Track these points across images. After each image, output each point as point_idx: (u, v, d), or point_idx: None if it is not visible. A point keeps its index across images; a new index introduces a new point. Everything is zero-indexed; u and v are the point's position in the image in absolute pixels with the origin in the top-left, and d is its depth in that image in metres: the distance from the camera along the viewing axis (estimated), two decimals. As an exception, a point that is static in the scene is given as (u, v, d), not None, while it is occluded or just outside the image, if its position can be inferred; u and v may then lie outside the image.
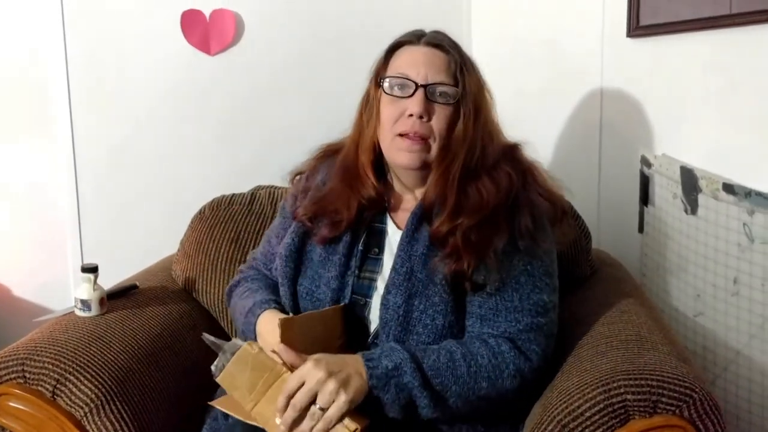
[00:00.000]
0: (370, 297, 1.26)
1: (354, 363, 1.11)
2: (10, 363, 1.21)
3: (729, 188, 1.43)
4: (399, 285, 1.21)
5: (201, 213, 1.71)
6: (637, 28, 1.69)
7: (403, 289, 1.21)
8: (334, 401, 1.06)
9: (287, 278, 1.29)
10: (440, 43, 1.27)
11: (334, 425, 1.07)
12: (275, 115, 2.14)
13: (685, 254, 1.59)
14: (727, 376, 1.49)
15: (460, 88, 1.24)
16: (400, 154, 1.25)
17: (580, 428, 1.05)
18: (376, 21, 2.10)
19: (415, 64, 1.25)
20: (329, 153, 1.39)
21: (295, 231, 1.32)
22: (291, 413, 1.07)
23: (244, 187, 1.82)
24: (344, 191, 1.29)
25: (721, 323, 1.49)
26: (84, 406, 1.20)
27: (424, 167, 1.26)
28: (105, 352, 1.27)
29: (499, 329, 1.20)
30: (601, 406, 1.05)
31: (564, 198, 1.36)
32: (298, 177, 1.42)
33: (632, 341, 1.20)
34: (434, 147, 1.24)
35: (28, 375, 1.20)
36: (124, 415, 1.21)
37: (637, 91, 1.74)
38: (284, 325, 1.17)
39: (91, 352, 1.25)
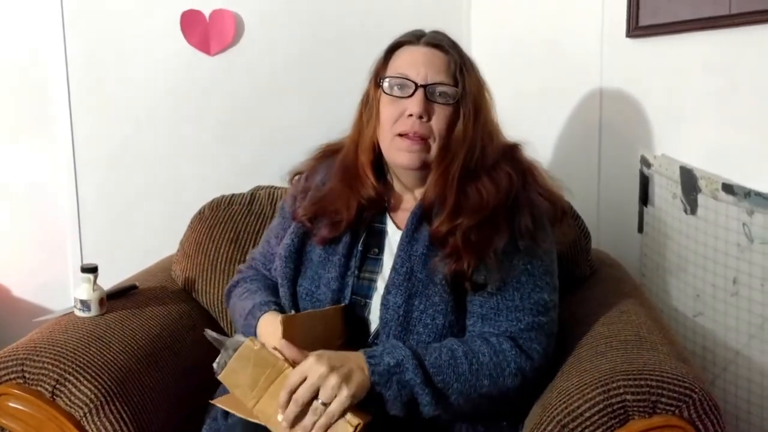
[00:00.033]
0: (370, 297, 1.26)
1: (356, 359, 1.11)
2: (10, 363, 1.21)
3: (728, 188, 1.43)
4: (399, 285, 1.21)
5: (201, 213, 1.71)
6: (636, 28, 1.69)
7: (403, 289, 1.21)
8: (336, 396, 1.06)
9: (287, 279, 1.30)
10: (440, 43, 1.27)
11: (336, 420, 1.06)
12: (275, 116, 2.14)
13: (685, 254, 1.59)
14: (726, 376, 1.49)
15: (460, 88, 1.24)
16: (399, 154, 1.25)
17: (579, 428, 1.05)
18: (376, 21, 2.10)
19: (414, 64, 1.25)
20: (328, 153, 1.39)
21: (294, 232, 1.32)
22: (293, 408, 1.07)
23: (243, 187, 1.82)
24: (344, 191, 1.29)
25: (721, 323, 1.50)
26: (83, 406, 1.20)
27: (424, 167, 1.26)
28: (104, 353, 1.27)
29: (500, 328, 1.20)
30: (601, 406, 1.05)
31: (564, 198, 1.36)
32: (297, 177, 1.42)
33: (632, 341, 1.20)
34: (434, 147, 1.24)
35: (27, 375, 1.20)
36: (124, 415, 1.21)
37: (636, 91, 1.74)
38: (286, 322, 1.17)
39: (91, 352, 1.25)
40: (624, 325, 1.28)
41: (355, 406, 1.08)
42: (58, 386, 1.20)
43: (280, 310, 1.29)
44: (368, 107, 1.31)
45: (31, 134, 2.08)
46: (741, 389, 1.46)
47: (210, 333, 1.17)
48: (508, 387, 1.17)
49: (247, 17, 2.10)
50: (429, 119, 1.23)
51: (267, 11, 2.10)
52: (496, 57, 2.00)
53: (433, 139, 1.24)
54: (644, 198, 1.75)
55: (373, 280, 1.27)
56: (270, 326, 1.22)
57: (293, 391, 1.08)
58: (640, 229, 1.78)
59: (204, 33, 2.07)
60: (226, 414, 1.25)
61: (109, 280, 1.50)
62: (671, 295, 1.66)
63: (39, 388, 1.20)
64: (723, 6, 1.41)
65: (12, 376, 1.21)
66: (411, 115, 1.22)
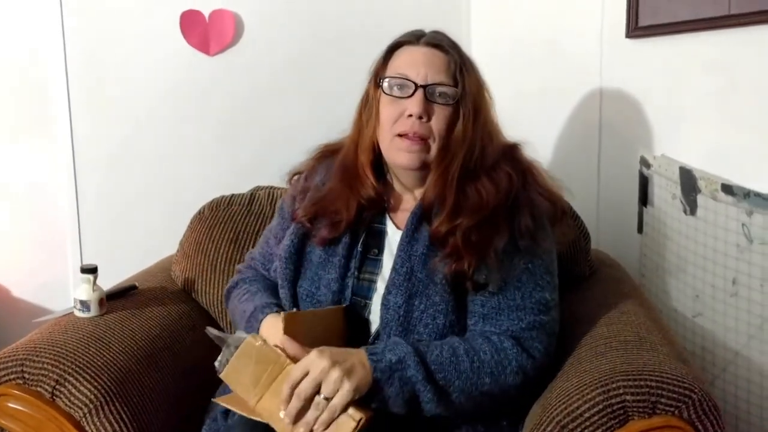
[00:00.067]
0: (370, 298, 1.26)
1: (358, 355, 1.11)
2: (10, 364, 1.21)
3: (728, 189, 1.43)
4: (399, 285, 1.21)
5: (200, 213, 1.71)
6: (636, 28, 1.69)
7: (404, 289, 1.21)
8: (338, 390, 1.06)
9: (287, 280, 1.30)
10: (440, 43, 1.27)
11: (339, 415, 1.06)
12: (275, 116, 2.14)
13: (684, 255, 1.59)
14: (725, 376, 1.49)
15: (460, 88, 1.24)
16: (399, 155, 1.25)
17: (579, 429, 1.05)
18: (376, 21, 2.10)
19: (414, 64, 1.25)
20: (327, 153, 1.39)
21: (294, 232, 1.32)
22: (295, 403, 1.07)
23: (243, 187, 1.82)
24: (344, 191, 1.29)
25: (720, 324, 1.50)
26: (83, 406, 1.20)
27: (424, 167, 1.26)
28: (104, 353, 1.27)
29: (502, 327, 1.20)
30: (601, 406, 1.05)
31: (563, 198, 1.36)
32: (296, 177, 1.42)
33: (631, 342, 1.20)
34: (433, 147, 1.24)
35: (27, 376, 1.21)
36: (124, 415, 1.21)
37: (636, 91, 1.74)
38: (287, 319, 1.17)
39: (91, 352, 1.25)
40: (624, 325, 1.28)
41: (357, 402, 1.08)
42: (57, 387, 1.20)
43: (282, 311, 1.29)
44: (368, 107, 1.31)
45: (31, 134, 2.08)
46: (740, 389, 1.46)
47: (211, 331, 1.17)
48: (510, 385, 1.17)
49: (246, 17, 2.10)
50: (429, 119, 1.23)
51: (267, 11, 2.10)
52: (496, 57, 2.00)
53: (432, 139, 1.24)
54: (644, 198, 1.75)
55: (373, 281, 1.27)
56: (272, 328, 1.22)
57: (295, 386, 1.08)
58: (640, 229, 1.78)
59: (203, 33, 2.07)
60: (226, 414, 1.25)
61: (109, 281, 1.50)
62: (671, 296, 1.66)
63: (39, 389, 1.20)
64: (722, 6, 1.41)
65: (12, 376, 1.21)
66: (411, 116, 1.22)
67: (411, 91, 1.23)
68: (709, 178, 1.48)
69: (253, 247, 1.55)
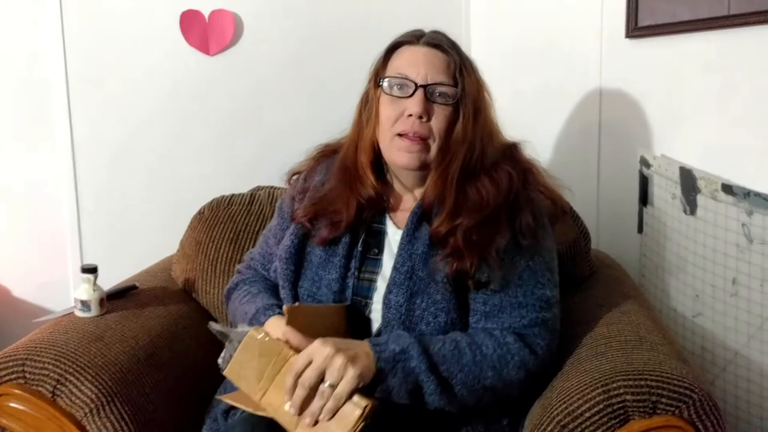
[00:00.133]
0: (371, 297, 1.26)
1: (361, 345, 1.12)
2: (10, 363, 1.21)
3: (728, 189, 1.43)
4: (401, 284, 1.22)
5: (200, 213, 1.71)
6: (635, 29, 1.69)
7: (405, 288, 1.21)
8: (342, 377, 1.06)
9: (287, 280, 1.30)
10: (439, 43, 1.27)
11: (344, 403, 1.06)
12: (275, 116, 2.14)
13: (684, 255, 1.59)
14: (725, 376, 1.49)
15: (460, 88, 1.25)
16: (399, 154, 1.25)
17: (579, 429, 1.05)
18: (376, 21, 2.10)
19: (414, 64, 1.25)
20: (327, 153, 1.40)
21: (294, 233, 1.32)
22: (300, 392, 1.06)
23: (243, 187, 1.82)
24: (344, 191, 1.29)
25: (720, 324, 1.50)
26: (84, 406, 1.20)
27: (424, 167, 1.26)
28: (105, 353, 1.27)
29: (504, 325, 1.21)
30: (601, 406, 1.05)
31: (563, 197, 1.36)
32: (295, 177, 1.42)
33: (631, 342, 1.20)
34: (433, 147, 1.25)
35: (28, 375, 1.21)
36: (124, 415, 1.21)
37: (635, 91, 1.74)
38: (290, 312, 1.17)
39: (91, 352, 1.25)
40: (624, 325, 1.28)
41: (361, 392, 1.07)
42: (58, 386, 1.20)
43: (282, 313, 1.29)
44: (368, 107, 1.31)
45: (31, 134, 2.08)
46: (740, 389, 1.46)
47: (214, 326, 1.17)
48: (512, 380, 1.17)
49: (246, 17, 2.10)
50: (429, 119, 1.23)
51: (266, 11, 2.10)
52: (496, 57, 2.00)
53: (432, 139, 1.24)
54: (644, 198, 1.75)
55: (373, 280, 1.27)
56: (276, 329, 1.22)
57: (299, 375, 1.07)
58: (640, 229, 1.78)
59: (203, 33, 2.07)
60: (227, 414, 1.25)
61: (109, 281, 1.50)
62: (670, 296, 1.66)
63: (40, 389, 1.20)
64: (722, 6, 1.42)
65: (13, 376, 1.21)
66: (411, 115, 1.23)
67: (411, 91, 1.23)
68: (709, 178, 1.48)
69: (253, 247, 1.55)
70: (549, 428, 1.07)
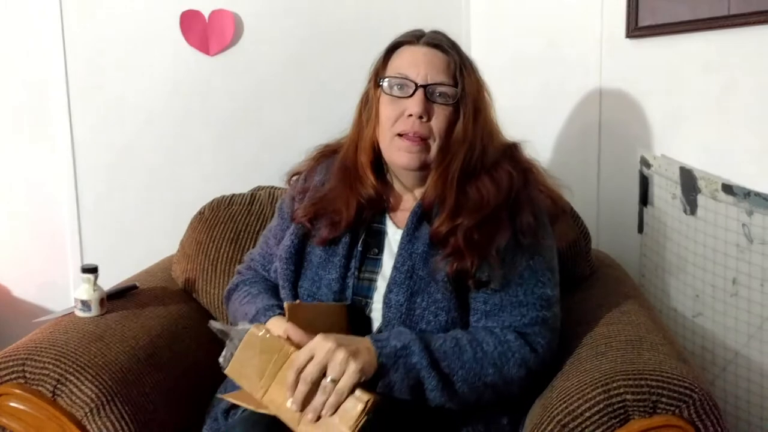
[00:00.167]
0: (371, 297, 1.26)
1: (363, 341, 1.12)
2: (11, 363, 1.21)
3: (728, 189, 1.43)
4: (401, 283, 1.22)
5: (201, 213, 1.71)
6: (635, 29, 1.69)
7: (405, 287, 1.21)
8: (344, 371, 1.06)
9: (287, 281, 1.30)
10: (439, 43, 1.27)
11: (346, 398, 1.06)
12: (275, 116, 2.14)
13: (684, 255, 1.59)
14: (725, 376, 1.49)
15: (460, 88, 1.25)
16: (399, 154, 1.25)
17: (579, 428, 1.05)
18: (376, 21, 2.10)
19: (414, 64, 1.25)
20: (327, 153, 1.40)
21: (294, 233, 1.32)
22: (302, 388, 1.06)
23: (243, 187, 1.82)
24: (344, 191, 1.30)
25: (720, 324, 1.50)
26: (84, 406, 1.20)
27: (424, 167, 1.26)
28: (105, 353, 1.27)
29: (504, 323, 1.21)
30: (601, 406, 1.05)
31: (563, 197, 1.36)
32: (295, 177, 1.42)
33: (632, 341, 1.20)
34: (434, 147, 1.25)
35: (28, 375, 1.21)
36: (125, 415, 1.21)
37: (636, 91, 1.74)
38: (291, 309, 1.17)
39: (92, 352, 1.25)
40: (624, 325, 1.28)
41: (363, 387, 1.07)
42: (59, 386, 1.20)
43: (283, 313, 1.29)
44: (368, 107, 1.31)
45: (31, 134, 2.08)
46: (741, 389, 1.46)
47: (214, 324, 1.17)
48: (513, 377, 1.17)
49: (246, 17, 2.09)
50: (429, 119, 1.24)
51: (266, 11, 2.10)
52: (496, 57, 2.00)
53: (432, 139, 1.24)
54: (644, 198, 1.75)
55: (373, 280, 1.27)
56: (276, 329, 1.22)
57: (301, 370, 1.07)
58: (640, 229, 1.78)
59: (203, 33, 2.07)
60: (227, 413, 1.25)
61: (109, 281, 1.50)
62: (671, 296, 1.66)
63: (40, 388, 1.20)
64: (722, 7, 1.42)
65: (13, 376, 1.21)
66: (411, 115, 1.23)
67: (411, 91, 1.23)
68: (709, 178, 1.48)
69: (253, 247, 1.55)
70: (549, 427, 1.07)
